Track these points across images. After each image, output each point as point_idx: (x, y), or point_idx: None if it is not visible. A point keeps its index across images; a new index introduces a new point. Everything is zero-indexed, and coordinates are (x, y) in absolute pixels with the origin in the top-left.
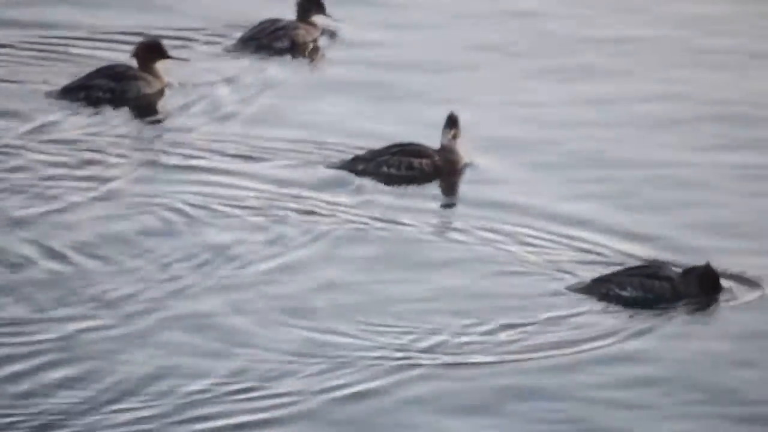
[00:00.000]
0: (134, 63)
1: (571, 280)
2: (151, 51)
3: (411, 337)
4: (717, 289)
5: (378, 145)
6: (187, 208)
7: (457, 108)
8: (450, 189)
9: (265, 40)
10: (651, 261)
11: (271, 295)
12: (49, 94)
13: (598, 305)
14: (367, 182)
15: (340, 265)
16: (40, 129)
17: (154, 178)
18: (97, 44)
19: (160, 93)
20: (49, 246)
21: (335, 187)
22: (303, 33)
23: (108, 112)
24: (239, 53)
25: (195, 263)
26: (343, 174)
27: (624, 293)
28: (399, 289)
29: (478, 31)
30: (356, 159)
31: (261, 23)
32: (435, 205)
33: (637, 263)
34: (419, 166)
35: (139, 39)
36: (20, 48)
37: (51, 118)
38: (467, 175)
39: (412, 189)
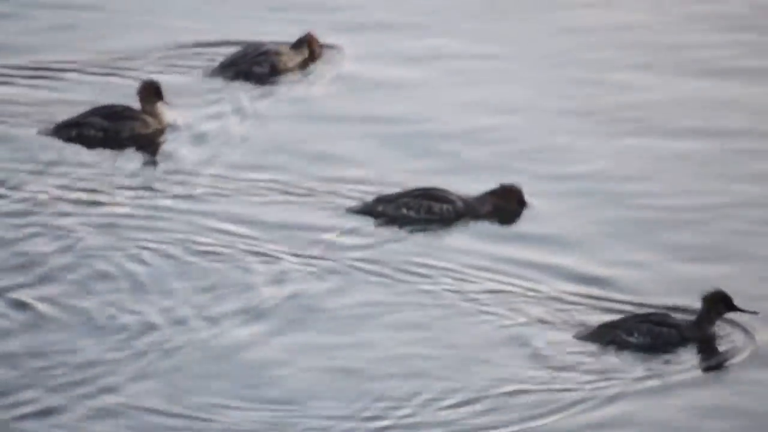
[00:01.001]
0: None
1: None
2: (149, 91)
3: (385, 404)
4: (731, 307)
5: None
6: (163, 254)
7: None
8: (464, 237)
9: (245, 65)
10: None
11: (239, 362)
12: (41, 132)
13: (605, 352)
14: (375, 226)
15: (310, 325)
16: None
17: (133, 222)
18: (83, 75)
19: (158, 133)
20: (17, 298)
21: (329, 231)
22: (285, 59)
23: (95, 151)
24: (217, 80)
25: (167, 319)
26: (355, 217)
27: (631, 339)
28: (384, 348)
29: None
30: (378, 200)
31: (245, 47)
32: (438, 254)
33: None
34: (439, 211)
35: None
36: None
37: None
38: (487, 224)
39: (423, 235)
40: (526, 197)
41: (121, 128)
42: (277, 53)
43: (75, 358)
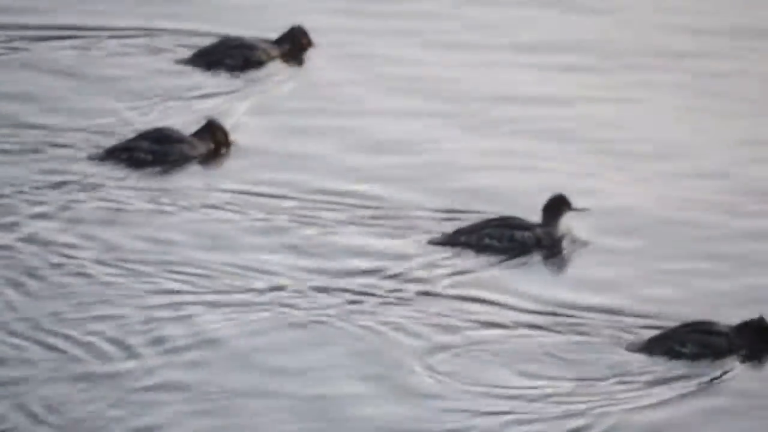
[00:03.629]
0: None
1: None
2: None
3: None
4: None
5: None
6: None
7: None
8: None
9: (218, 56)
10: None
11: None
12: (91, 157)
13: (662, 363)
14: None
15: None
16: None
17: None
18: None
19: (210, 155)
20: None
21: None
22: (259, 53)
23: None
24: (190, 68)
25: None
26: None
27: (684, 350)
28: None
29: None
30: (458, 232)
31: (222, 39)
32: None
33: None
34: (521, 239)
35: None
36: None
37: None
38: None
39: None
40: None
41: (169, 151)
42: (252, 47)
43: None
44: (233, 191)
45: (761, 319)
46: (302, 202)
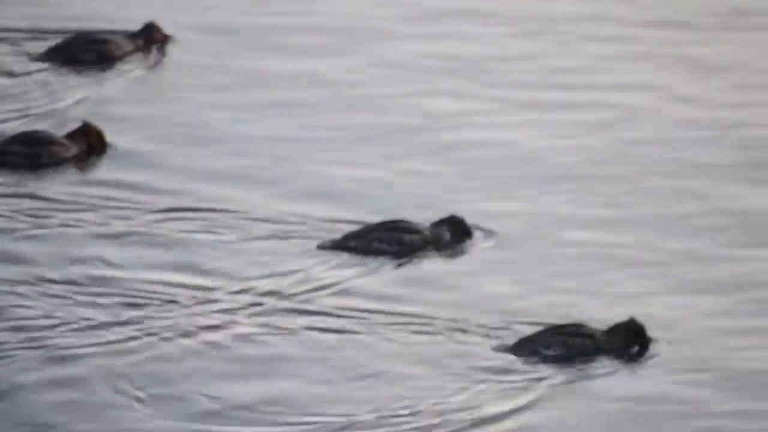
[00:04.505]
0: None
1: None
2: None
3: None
4: (644, 342)
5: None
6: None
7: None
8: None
9: (72, 52)
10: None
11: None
12: None
13: (525, 365)
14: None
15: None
16: None
17: None
18: None
19: (83, 156)
20: None
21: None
22: (113, 47)
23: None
24: (45, 65)
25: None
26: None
27: (548, 352)
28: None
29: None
30: (347, 236)
31: (75, 34)
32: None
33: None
34: (409, 242)
35: None
36: None
37: None
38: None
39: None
40: (470, 228)
41: (41, 153)
42: (105, 42)
43: None
44: (107, 192)
45: (631, 321)
46: (174, 207)
